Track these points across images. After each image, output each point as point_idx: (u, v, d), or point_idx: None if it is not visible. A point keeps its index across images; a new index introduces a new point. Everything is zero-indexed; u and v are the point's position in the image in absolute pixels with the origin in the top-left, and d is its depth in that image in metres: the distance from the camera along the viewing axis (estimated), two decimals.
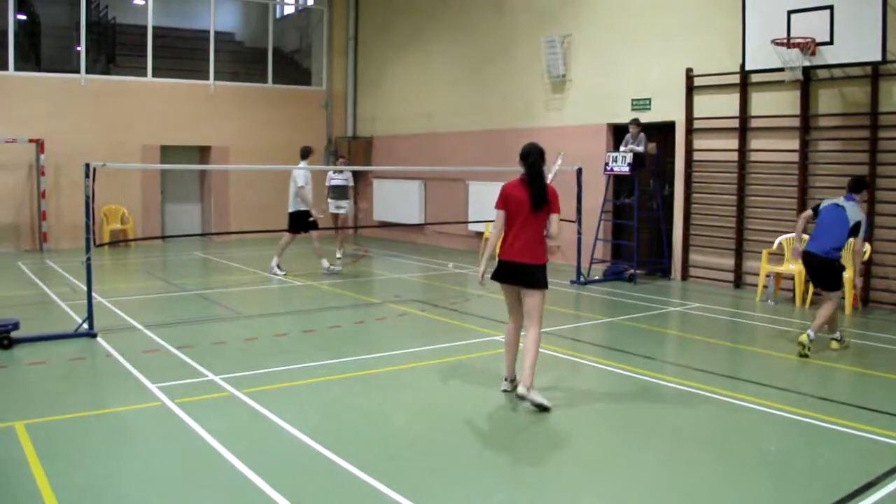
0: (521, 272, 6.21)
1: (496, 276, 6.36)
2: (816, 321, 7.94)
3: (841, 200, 8.12)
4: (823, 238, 8.04)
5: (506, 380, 6.58)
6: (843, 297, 8.43)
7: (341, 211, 14.42)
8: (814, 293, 10.69)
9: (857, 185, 8.22)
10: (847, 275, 10.23)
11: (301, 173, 12.84)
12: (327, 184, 14.40)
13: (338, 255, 14.53)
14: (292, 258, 15.27)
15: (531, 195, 6.18)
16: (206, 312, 10.14)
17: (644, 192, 12.96)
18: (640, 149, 12.38)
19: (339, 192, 14.32)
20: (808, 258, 8.18)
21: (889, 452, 5.18)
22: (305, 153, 13.35)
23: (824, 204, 8.23)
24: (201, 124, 18.31)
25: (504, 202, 6.26)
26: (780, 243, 11.20)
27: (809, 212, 8.46)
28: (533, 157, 6.31)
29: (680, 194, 12.82)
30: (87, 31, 17.12)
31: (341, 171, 14.31)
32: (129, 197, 17.39)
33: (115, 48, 18.92)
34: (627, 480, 4.89)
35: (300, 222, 12.97)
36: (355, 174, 15.73)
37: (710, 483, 4.79)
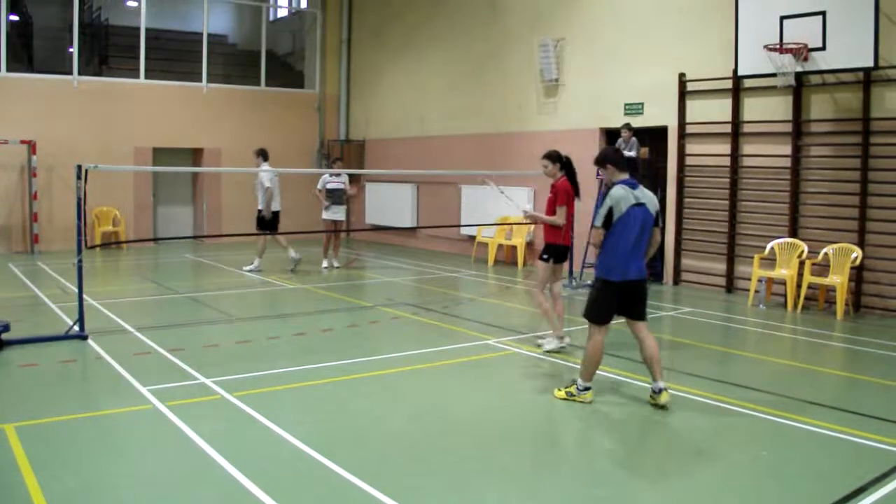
0: (567, 251, 8.23)
1: (558, 258, 8.04)
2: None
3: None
4: None
5: (562, 337, 8.05)
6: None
7: (339, 217, 14.15)
8: (805, 298, 10.74)
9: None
10: (840, 280, 10.32)
11: (266, 175, 13.27)
12: (320, 187, 14.00)
13: (324, 265, 14.26)
14: (290, 261, 15.24)
15: (576, 190, 8.02)
16: (197, 315, 10.11)
17: None
18: (633, 153, 12.39)
19: (337, 196, 14.01)
20: None
21: (880, 457, 5.19)
22: (266, 155, 13.74)
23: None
24: (194, 127, 18.29)
25: (566, 198, 7.88)
26: (771, 248, 11.23)
27: None
28: (568, 160, 8.05)
29: (672, 199, 12.84)
30: (79, 33, 17.08)
31: (339, 175, 14.01)
32: (120, 199, 17.33)
33: (107, 50, 18.91)
34: (618, 483, 4.89)
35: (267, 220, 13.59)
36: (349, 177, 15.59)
37: (699, 487, 4.79)
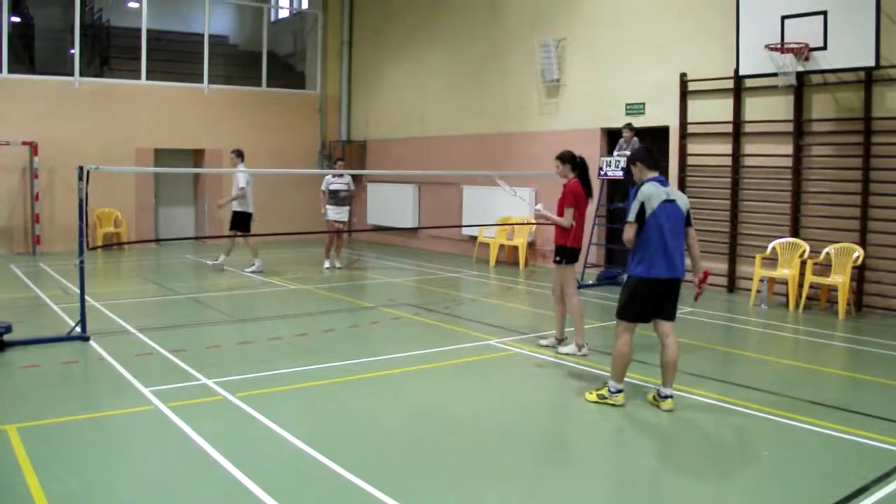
0: (577, 253, 8.04)
1: (569, 260, 7.94)
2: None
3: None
4: None
5: (581, 346, 7.99)
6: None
7: (341, 217, 14.09)
8: (807, 298, 10.73)
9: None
10: (842, 279, 10.31)
11: (243, 175, 13.35)
12: (324, 188, 13.95)
13: (326, 265, 14.22)
14: (291, 262, 15.27)
15: (587, 190, 7.96)
16: (199, 316, 10.11)
17: None
18: None
19: (339, 197, 13.97)
20: None
21: (882, 457, 5.18)
22: (243, 155, 13.84)
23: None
24: (195, 127, 18.28)
25: (575, 199, 7.81)
26: (773, 248, 11.22)
27: None
28: (582, 161, 8.02)
29: None
30: (81, 34, 17.10)
31: (341, 175, 13.94)
32: (122, 200, 17.35)
33: (109, 51, 18.92)
34: (619, 483, 4.89)
35: (244, 222, 13.64)
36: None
37: (699, 487, 4.78)
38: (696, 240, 6.39)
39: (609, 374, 6.39)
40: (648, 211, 6.05)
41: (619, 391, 6.28)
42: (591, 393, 6.43)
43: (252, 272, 13.55)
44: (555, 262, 8.08)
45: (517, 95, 15.72)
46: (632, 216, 6.12)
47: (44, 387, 6.66)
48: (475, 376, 7.36)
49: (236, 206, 13.58)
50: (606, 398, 6.28)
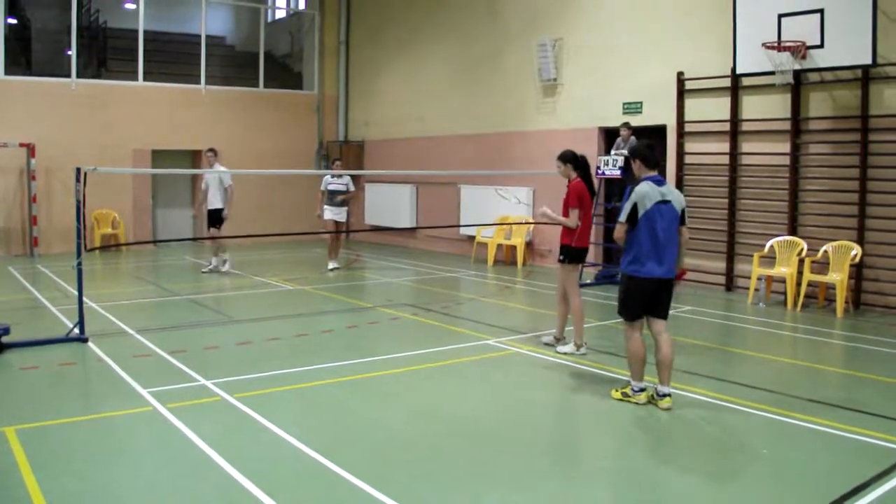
0: (582, 253, 8.04)
1: (573, 259, 7.93)
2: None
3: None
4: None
5: (580, 346, 7.97)
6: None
7: (340, 218, 14.06)
8: (805, 296, 10.74)
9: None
10: (840, 277, 10.32)
11: (227, 174, 13.48)
12: (323, 188, 13.92)
13: (330, 266, 14.15)
14: (290, 263, 15.27)
15: (591, 189, 7.97)
16: (197, 317, 10.10)
17: None
18: None
19: (336, 197, 13.95)
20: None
21: (881, 454, 5.19)
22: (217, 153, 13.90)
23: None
24: (192, 128, 18.26)
25: (579, 199, 7.77)
26: (771, 246, 11.23)
27: None
28: (584, 160, 7.98)
29: None
30: (78, 36, 17.09)
31: (340, 176, 13.90)
32: (120, 201, 17.33)
33: (106, 52, 18.90)
34: (619, 483, 4.89)
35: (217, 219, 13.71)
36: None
37: (698, 486, 4.79)
38: (686, 239, 6.39)
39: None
40: (641, 212, 6.06)
41: (642, 390, 6.29)
42: (616, 391, 6.45)
43: (226, 269, 13.62)
44: (559, 261, 8.07)
45: (515, 95, 15.71)
46: (623, 216, 6.14)
47: (42, 388, 6.65)
48: (474, 376, 7.36)
49: (218, 204, 13.60)
50: (630, 397, 6.31)
